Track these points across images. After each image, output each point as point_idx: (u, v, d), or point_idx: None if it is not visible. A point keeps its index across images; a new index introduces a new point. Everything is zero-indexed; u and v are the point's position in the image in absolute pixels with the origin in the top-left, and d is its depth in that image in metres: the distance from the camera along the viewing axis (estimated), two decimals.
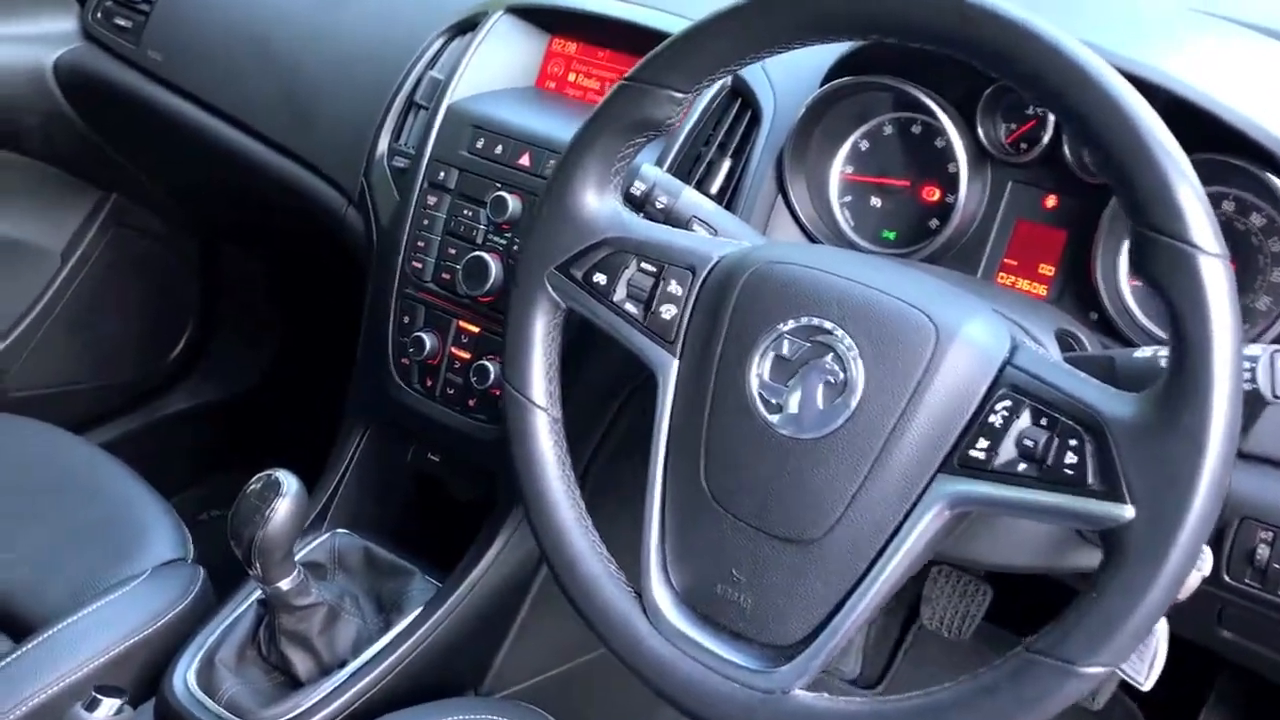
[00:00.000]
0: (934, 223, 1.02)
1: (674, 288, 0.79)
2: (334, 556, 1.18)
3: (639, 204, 0.91)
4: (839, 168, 1.07)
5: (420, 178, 1.20)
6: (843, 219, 1.07)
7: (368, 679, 1.06)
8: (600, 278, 0.81)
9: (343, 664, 1.08)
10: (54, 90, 1.61)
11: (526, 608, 1.17)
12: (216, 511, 1.86)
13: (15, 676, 1.05)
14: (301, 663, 1.08)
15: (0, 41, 1.60)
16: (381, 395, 1.21)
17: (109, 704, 0.85)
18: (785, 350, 0.74)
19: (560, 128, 1.15)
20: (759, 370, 0.75)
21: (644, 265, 0.80)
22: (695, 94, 0.79)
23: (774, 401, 0.74)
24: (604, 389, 1.08)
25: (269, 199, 1.49)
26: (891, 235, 1.05)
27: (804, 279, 0.74)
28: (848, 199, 1.07)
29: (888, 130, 1.05)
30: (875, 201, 1.06)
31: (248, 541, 0.99)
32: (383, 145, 1.26)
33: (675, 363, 0.79)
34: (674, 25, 1.10)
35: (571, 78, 1.24)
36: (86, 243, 1.77)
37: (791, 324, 0.74)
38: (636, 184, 0.90)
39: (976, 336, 0.70)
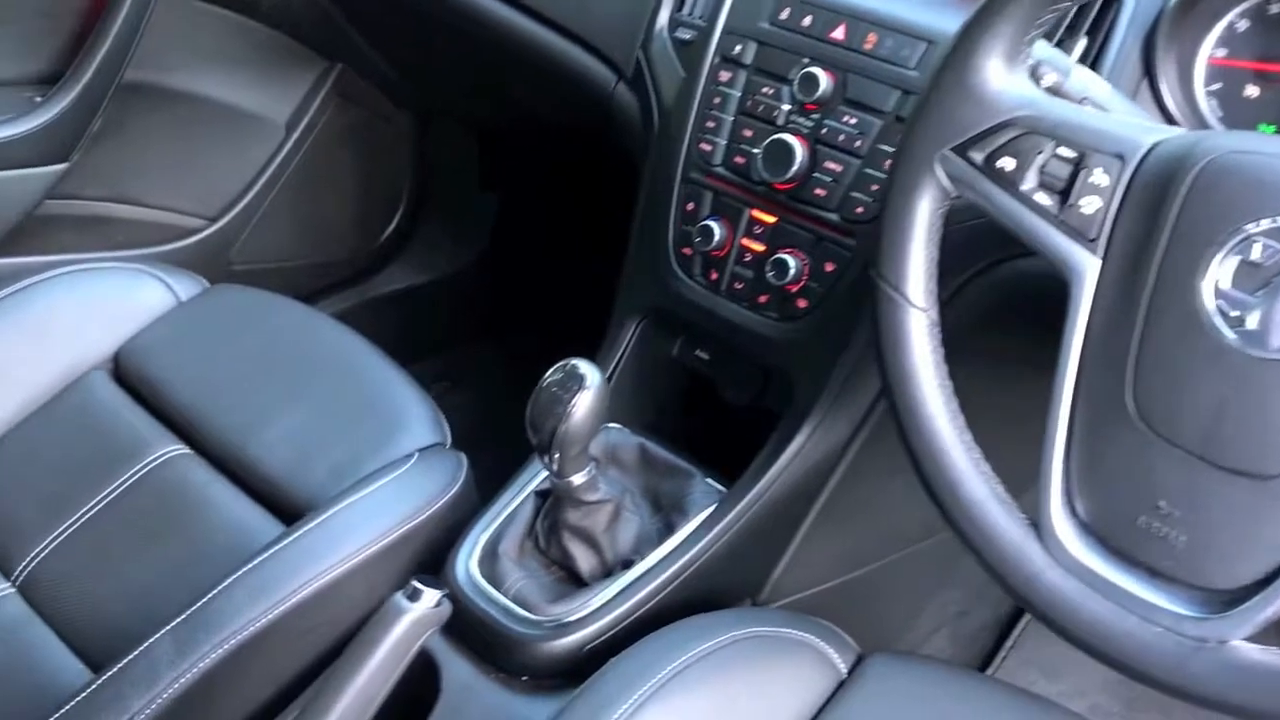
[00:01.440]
0: None
1: (1099, 178, 0.69)
2: (608, 451, 1.13)
3: None
4: (1208, 51, 0.94)
5: (711, 51, 1.11)
6: (1208, 109, 0.94)
7: (656, 582, 1.01)
8: (1007, 163, 0.72)
9: (626, 564, 1.04)
10: None
11: (811, 518, 1.10)
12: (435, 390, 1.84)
13: (294, 559, 1.03)
14: (584, 559, 1.03)
15: None
16: (658, 286, 1.14)
17: (430, 594, 0.81)
18: (1256, 255, 0.64)
19: None
20: (1217, 277, 0.65)
21: (1060, 151, 0.70)
22: None
23: (1234, 314, 0.64)
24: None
25: (514, 74, 1.42)
26: (1270, 129, 0.92)
27: None
28: (1216, 86, 0.94)
29: (1274, 8, 0.92)
30: (1251, 90, 0.93)
31: (549, 433, 0.94)
32: (664, 16, 1.17)
33: (1096, 264, 0.69)
34: None
35: None
36: (310, 114, 1.73)
37: (1266, 224, 0.63)
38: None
39: None
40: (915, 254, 0.75)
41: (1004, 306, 0.92)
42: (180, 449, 1.22)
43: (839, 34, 1.04)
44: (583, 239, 1.97)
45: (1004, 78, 0.72)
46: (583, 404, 0.94)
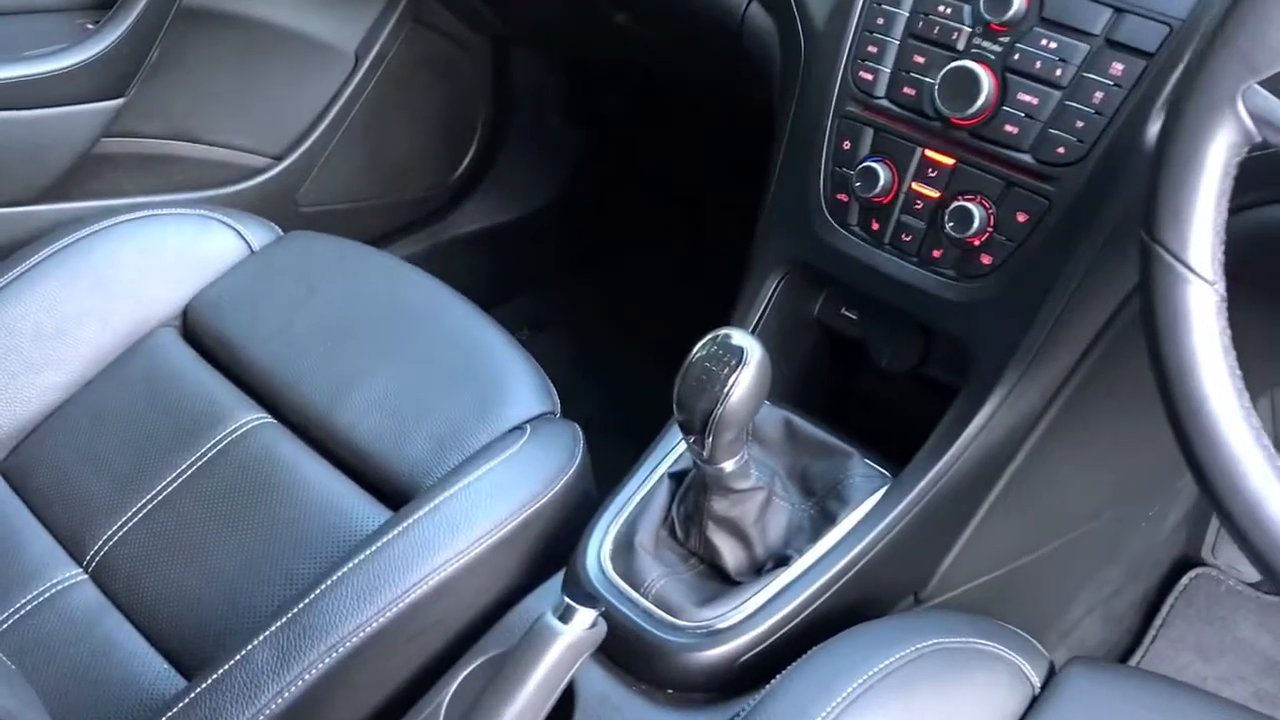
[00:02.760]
0: None
1: None
2: (748, 425, 0.99)
3: None
4: None
5: None
6: None
7: (817, 584, 0.88)
8: None
9: (780, 560, 0.91)
10: None
11: (988, 505, 0.97)
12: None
13: (405, 554, 0.91)
14: (731, 554, 0.91)
15: None
16: (806, 237, 0.99)
17: (585, 614, 0.69)
18: None
19: None
20: None
21: None
22: None
23: None
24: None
25: None
26: None
27: None
28: None
29: None
30: None
31: (702, 416, 0.81)
32: None
33: None
34: None
35: None
36: (381, 41, 1.58)
37: None
38: None
39: None
40: (1202, 214, 0.60)
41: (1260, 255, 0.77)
42: (262, 417, 1.10)
43: None
44: (679, 175, 1.83)
45: None
46: (743, 383, 0.80)
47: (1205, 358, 0.60)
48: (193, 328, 1.21)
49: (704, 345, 0.83)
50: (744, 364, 0.81)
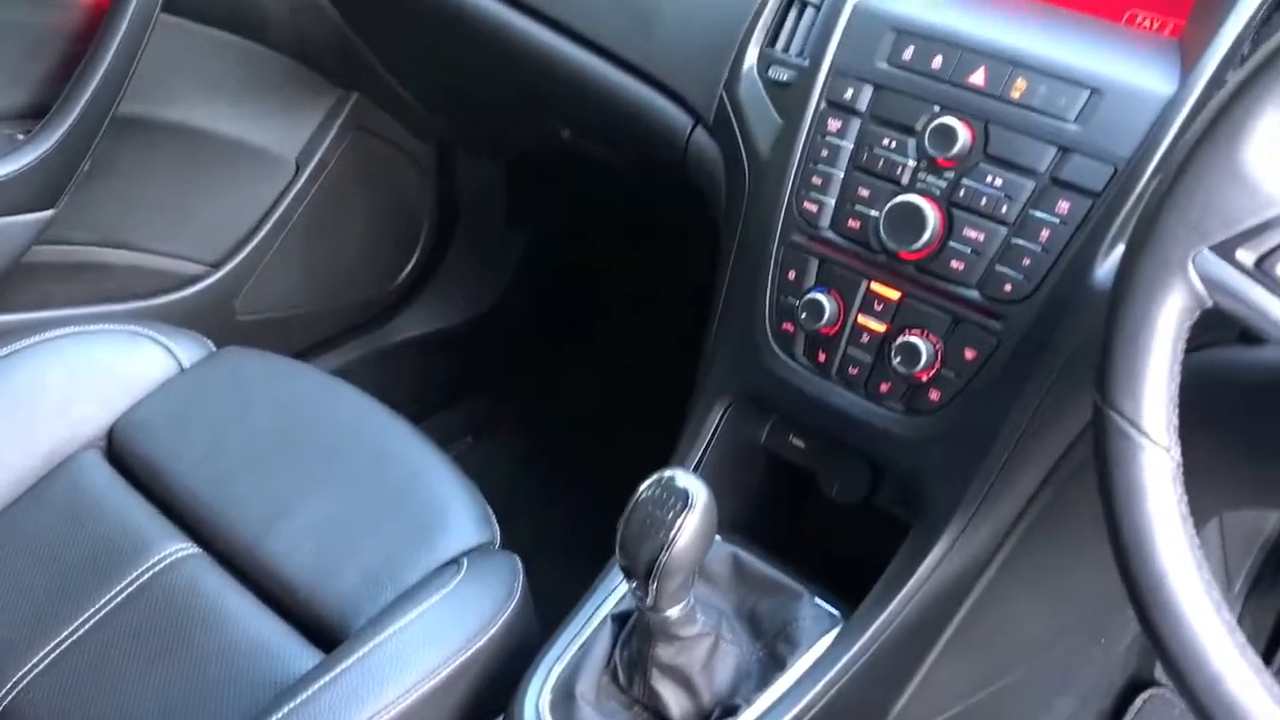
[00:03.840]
0: None
1: None
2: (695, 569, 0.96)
3: None
4: None
5: (815, 96, 0.94)
6: None
7: None
8: None
9: (727, 709, 0.87)
10: None
11: (941, 645, 0.94)
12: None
13: (333, 706, 0.86)
14: (676, 702, 0.87)
15: None
16: (752, 366, 0.97)
17: None
18: None
19: (1027, 36, 0.88)
20: None
21: None
22: None
23: None
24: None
25: (563, 113, 1.25)
26: None
27: None
28: None
29: None
30: None
31: (647, 563, 0.78)
32: (753, 53, 1.01)
33: None
34: None
35: None
36: (324, 149, 1.56)
37: None
38: None
39: None
40: (1156, 379, 0.59)
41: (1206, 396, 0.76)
42: (188, 548, 1.05)
43: (978, 79, 0.88)
44: (624, 279, 1.82)
45: None
46: (689, 528, 0.77)
47: (1163, 528, 0.58)
48: (118, 450, 1.16)
49: (648, 486, 0.80)
50: (690, 508, 0.78)
